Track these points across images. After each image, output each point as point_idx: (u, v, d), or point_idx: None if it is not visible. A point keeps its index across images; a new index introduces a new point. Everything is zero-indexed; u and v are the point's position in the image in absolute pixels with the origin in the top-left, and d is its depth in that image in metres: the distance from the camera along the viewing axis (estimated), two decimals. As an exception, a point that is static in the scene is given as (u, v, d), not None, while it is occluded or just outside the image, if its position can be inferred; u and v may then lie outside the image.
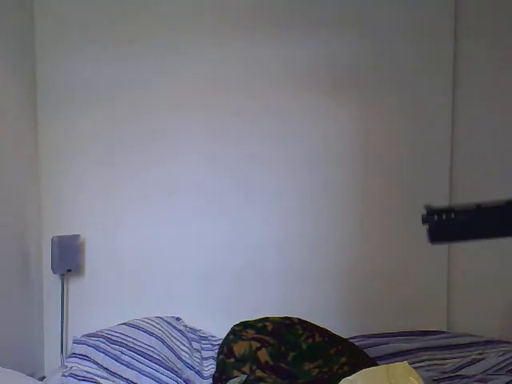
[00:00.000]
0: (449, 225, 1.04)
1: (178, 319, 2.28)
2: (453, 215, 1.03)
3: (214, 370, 2.05)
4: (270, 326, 2.13)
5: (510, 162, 2.36)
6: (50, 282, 2.32)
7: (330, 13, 2.35)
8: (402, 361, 1.51)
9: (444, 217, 1.03)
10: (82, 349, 1.91)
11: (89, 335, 1.99)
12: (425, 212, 1.04)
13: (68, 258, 2.24)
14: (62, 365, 2.01)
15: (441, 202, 2.37)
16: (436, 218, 1.03)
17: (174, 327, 2.18)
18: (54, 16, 2.31)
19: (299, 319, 2.18)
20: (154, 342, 2.02)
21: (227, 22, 2.34)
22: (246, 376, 1.89)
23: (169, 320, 2.21)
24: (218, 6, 2.33)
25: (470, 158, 2.36)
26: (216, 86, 2.33)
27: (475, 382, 1.92)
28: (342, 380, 1.51)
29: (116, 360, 1.90)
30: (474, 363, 2.09)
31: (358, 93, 2.37)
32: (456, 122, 2.38)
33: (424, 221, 1.04)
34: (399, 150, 2.37)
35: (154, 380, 1.90)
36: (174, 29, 2.33)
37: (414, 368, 1.46)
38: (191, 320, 2.31)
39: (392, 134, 2.37)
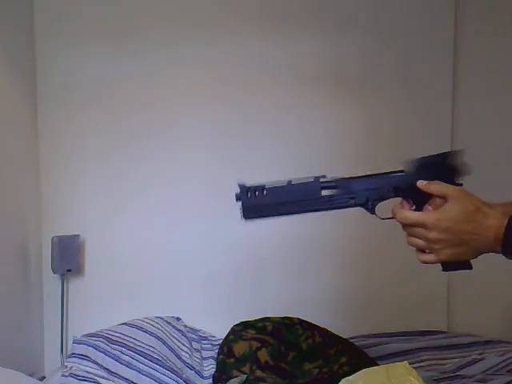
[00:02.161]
0: (260, 202, 1.08)
1: (178, 319, 2.28)
2: (264, 192, 1.07)
3: (214, 369, 2.05)
4: (270, 326, 2.12)
5: (510, 162, 2.36)
6: (50, 281, 2.32)
7: (332, 12, 2.35)
8: (402, 361, 1.51)
9: (256, 194, 1.07)
10: (81, 349, 1.91)
11: (89, 335, 1.99)
12: (238, 190, 1.07)
13: (68, 257, 2.23)
14: (62, 365, 2.01)
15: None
16: (248, 195, 1.07)
17: (174, 327, 2.18)
18: (54, 13, 2.30)
19: (299, 319, 2.18)
20: (154, 341, 2.02)
21: (229, 20, 2.33)
22: (245, 376, 1.89)
23: (169, 320, 2.21)
24: (221, 4, 2.34)
25: (470, 158, 2.36)
26: (217, 84, 2.33)
27: (475, 382, 1.92)
28: (342, 380, 1.51)
29: (116, 360, 1.90)
30: (474, 363, 2.09)
31: (359, 93, 2.37)
32: (456, 122, 2.39)
33: (237, 198, 1.09)
34: (399, 150, 2.36)
35: (153, 380, 1.90)
36: (174, 26, 2.32)
37: (414, 368, 1.46)
38: (191, 320, 2.31)
39: (392, 133, 2.37)
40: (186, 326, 2.26)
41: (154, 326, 2.10)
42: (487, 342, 2.25)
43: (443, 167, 1.02)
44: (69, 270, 2.27)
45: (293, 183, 1.07)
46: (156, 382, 1.90)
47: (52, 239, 2.21)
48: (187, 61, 2.33)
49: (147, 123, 2.34)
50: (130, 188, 2.35)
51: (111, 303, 2.33)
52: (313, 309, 2.30)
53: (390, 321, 2.36)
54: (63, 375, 1.79)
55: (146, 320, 2.14)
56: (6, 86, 2.08)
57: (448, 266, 1.02)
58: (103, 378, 1.82)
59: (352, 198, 1.07)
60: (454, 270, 1.02)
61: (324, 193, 1.06)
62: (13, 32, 2.15)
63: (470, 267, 1.01)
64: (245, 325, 2.14)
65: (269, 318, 2.18)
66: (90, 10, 2.31)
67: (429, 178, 0.99)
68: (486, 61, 2.37)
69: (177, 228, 2.35)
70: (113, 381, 1.83)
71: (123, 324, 2.10)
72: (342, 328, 2.20)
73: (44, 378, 2.05)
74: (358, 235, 2.37)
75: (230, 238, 2.36)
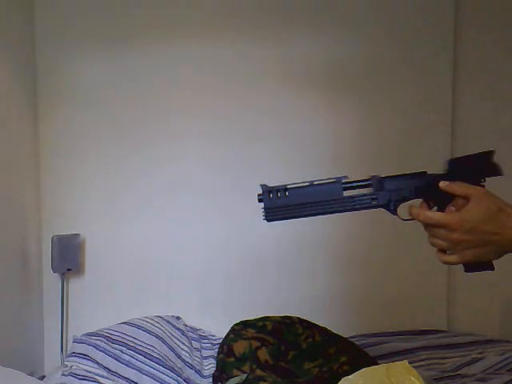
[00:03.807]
0: (282, 203, 1.06)
1: (178, 318, 2.28)
2: (287, 193, 1.06)
3: (214, 369, 2.05)
4: (270, 325, 2.13)
5: (510, 162, 2.36)
6: (50, 281, 2.32)
7: (333, 12, 2.35)
8: (402, 360, 1.50)
9: (278, 195, 1.06)
10: (82, 348, 1.91)
11: (89, 334, 1.99)
12: (261, 191, 1.06)
13: (68, 256, 2.24)
14: (62, 364, 2.01)
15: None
16: (270, 196, 1.06)
17: (174, 326, 2.18)
18: (55, 13, 2.31)
19: (299, 318, 2.18)
20: (154, 341, 2.02)
21: (229, 20, 2.33)
22: (246, 375, 1.89)
23: (169, 319, 2.21)
24: (221, 4, 2.33)
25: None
26: (217, 84, 2.33)
27: (475, 381, 1.92)
28: (342, 379, 1.51)
29: (116, 359, 1.90)
30: (474, 362, 2.09)
31: (357, 93, 2.37)
32: (456, 122, 2.39)
33: (259, 200, 1.07)
34: (399, 150, 2.37)
35: (154, 379, 1.90)
36: (174, 29, 2.32)
37: (414, 367, 1.46)
38: (191, 319, 2.31)
39: (392, 134, 2.37)
40: (186, 325, 2.26)
41: (154, 325, 2.11)
42: (487, 342, 2.25)
43: (469, 168, 1.02)
44: (69, 269, 2.27)
45: (315, 183, 1.06)
46: (156, 381, 1.90)
47: (52, 238, 2.21)
48: (187, 61, 2.33)
49: (147, 122, 2.34)
50: (129, 188, 2.35)
51: (111, 302, 2.33)
52: (312, 308, 2.30)
53: (390, 320, 2.36)
54: (63, 374, 1.79)
55: (145, 319, 2.14)
56: (6, 86, 2.08)
57: (470, 266, 1.01)
58: (103, 377, 1.82)
59: (374, 199, 1.06)
60: (477, 270, 1.02)
61: (346, 194, 1.05)
62: (13, 32, 2.15)
63: (492, 268, 1.01)
64: (245, 324, 2.14)
65: (269, 317, 2.18)
66: (89, 11, 2.31)
67: (454, 178, 0.99)
68: (486, 61, 2.37)
69: (176, 227, 2.35)
70: (113, 380, 1.83)
71: (123, 323, 2.10)
72: (342, 327, 2.20)
73: (44, 377, 2.05)
74: (358, 235, 2.37)
75: (229, 237, 2.36)
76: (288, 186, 1.06)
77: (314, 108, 2.36)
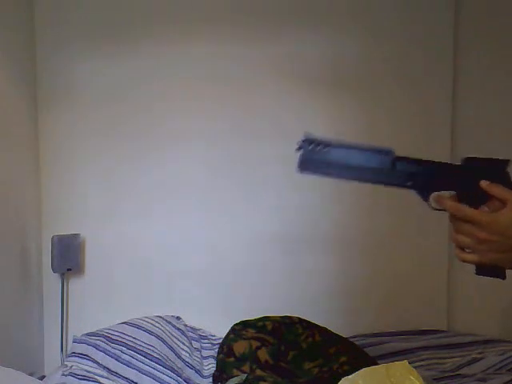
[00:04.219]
0: (322, 157, 1.01)
1: (178, 318, 2.28)
2: (329, 149, 1.01)
3: (214, 369, 2.05)
4: (270, 325, 2.13)
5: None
6: (50, 281, 2.32)
7: (332, 12, 2.35)
8: (402, 360, 1.50)
9: (318, 148, 1.01)
10: (81, 348, 1.91)
11: (89, 334, 1.99)
12: (301, 139, 1.02)
13: (68, 257, 2.24)
14: (62, 364, 2.01)
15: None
16: (310, 147, 1.01)
17: (174, 326, 2.18)
18: (55, 13, 2.31)
19: (299, 318, 2.18)
20: (154, 341, 2.02)
21: (229, 20, 2.33)
22: (246, 375, 1.89)
23: (169, 319, 2.21)
24: (220, 4, 2.33)
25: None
26: (217, 84, 2.33)
27: (475, 381, 1.92)
28: (342, 379, 1.51)
29: (116, 359, 1.90)
30: (474, 362, 2.10)
31: (357, 93, 2.36)
32: (456, 122, 2.38)
33: (298, 148, 1.02)
34: (399, 150, 2.37)
35: (154, 379, 1.90)
36: (174, 27, 2.32)
37: (414, 367, 1.46)
38: (191, 319, 2.31)
39: (392, 133, 2.37)
40: (185, 325, 2.26)
41: (153, 325, 2.11)
42: (487, 341, 2.25)
43: (484, 171, 1.01)
44: (69, 269, 2.27)
45: (364, 147, 1.01)
46: (156, 381, 1.90)
47: (52, 238, 2.21)
48: (188, 61, 2.33)
49: (147, 123, 2.34)
50: (130, 188, 2.35)
51: (111, 302, 2.33)
52: (312, 308, 2.30)
53: (389, 320, 2.36)
54: (63, 374, 1.80)
55: (145, 319, 2.14)
56: (6, 86, 2.08)
57: (483, 270, 1.00)
58: (103, 377, 1.82)
59: (411, 180, 1.03)
60: (489, 275, 1.01)
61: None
62: (13, 32, 2.15)
63: (504, 277, 1.00)
64: (245, 324, 2.14)
65: (269, 317, 2.18)
66: (90, 11, 2.31)
67: (491, 179, 0.98)
68: (486, 60, 2.37)
69: (176, 227, 2.35)
70: (113, 380, 1.83)
71: (123, 323, 2.10)
72: (342, 327, 2.20)
73: (44, 377, 2.05)
74: (358, 234, 2.38)
75: (229, 237, 2.36)
76: (332, 142, 1.01)
77: (314, 108, 2.36)
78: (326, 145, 1.01)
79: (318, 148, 1.01)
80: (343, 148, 1.01)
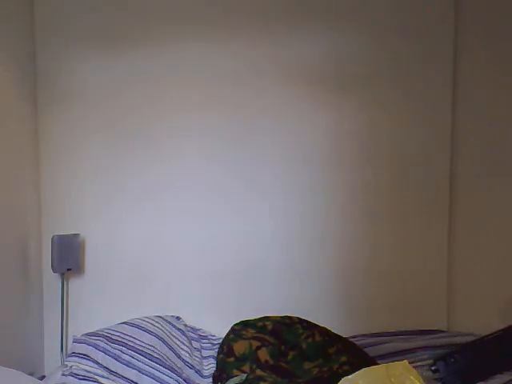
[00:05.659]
0: (459, 366, 1.01)
1: (178, 318, 2.28)
2: (458, 356, 1.00)
3: (214, 369, 2.05)
4: (270, 325, 2.13)
5: (510, 162, 2.36)
6: (50, 280, 2.32)
7: (333, 13, 2.35)
8: (401, 360, 1.51)
9: (452, 360, 1.00)
10: (81, 348, 1.91)
11: (89, 334, 2.00)
12: (432, 362, 1.00)
13: (68, 256, 2.24)
14: (62, 364, 2.01)
15: (441, 202, 2.38)
16: (445, 363, 1.00)
17: (174, 326, 2.18)
18: (55, 14, 2.31)
19: (299, 318, 2.18)
20: (154, 341, 2.02)
21: (229, 20, 2.33)
22: (246, 375, 1.89)
23: (169, 319, 2.22)
24: (220, 4, 2.33)
25: (470, 158, 2.36)
26: (217, 84, 2.33)
27: (475, 381, 1.92)
28: (342, 379, 1.52)
29: (116, 359, 1.91)
30: (473, 362, 2.09)
31: (359, 93, 2.36)
32: (456, 122, 2.38)
33: (434, 370, 1.02)
34: (399, 150, 2.37)
35: (154, 379, 1.90)
36: (174, 27, 2.33)
37: (414, 367, 1.46)
38: (191, 319, 2.31)
39: (392, 133, 2.37)
40: (185, 325, 2.26)
41: (154, 325, 2.11)
42: (487, 342, 2.25)
43: None
44: (69, 269, 2.27)
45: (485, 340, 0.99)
46: (156, 380, 1.90)
47: (52, 238, 2.21)
48: (188, 61, 2.33)
49: (147, 123, 2.34)
50: (129, 188, 2.35)
51: (111, 302, 2.33)
52: (312, 308, 2.30)
53: (389, 320, 2.35)
54: (63, 374, 1.80)
55: (146, 319, 2.14)
56: (6, 87, 2.09)
57: None
58: (103, 377, 1.83)
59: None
60: None
61: None
62: (13, 32, 2.15)
63: None
64: (245, 324, 2.14)
65: (269, 317, 2.18)
66: (89, 11, 2.31)
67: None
68: (486, 61, 2.37)
69: (176, 228, 2.35)
70: (113, 380, 1.84)
71: (123, 323, 2.10)
72: (341, 327, 2.20)
73: (44, 377, 2.05)
74: (358, 234, 2.37)
75: (229, 238, 2.36)
76: (455, 350, 0.99)
77: (314, 108, 2.36)
78: (454, 353, 0.99)
79: (452, 360, 1.02)
80: (468, 348, 1.00)
